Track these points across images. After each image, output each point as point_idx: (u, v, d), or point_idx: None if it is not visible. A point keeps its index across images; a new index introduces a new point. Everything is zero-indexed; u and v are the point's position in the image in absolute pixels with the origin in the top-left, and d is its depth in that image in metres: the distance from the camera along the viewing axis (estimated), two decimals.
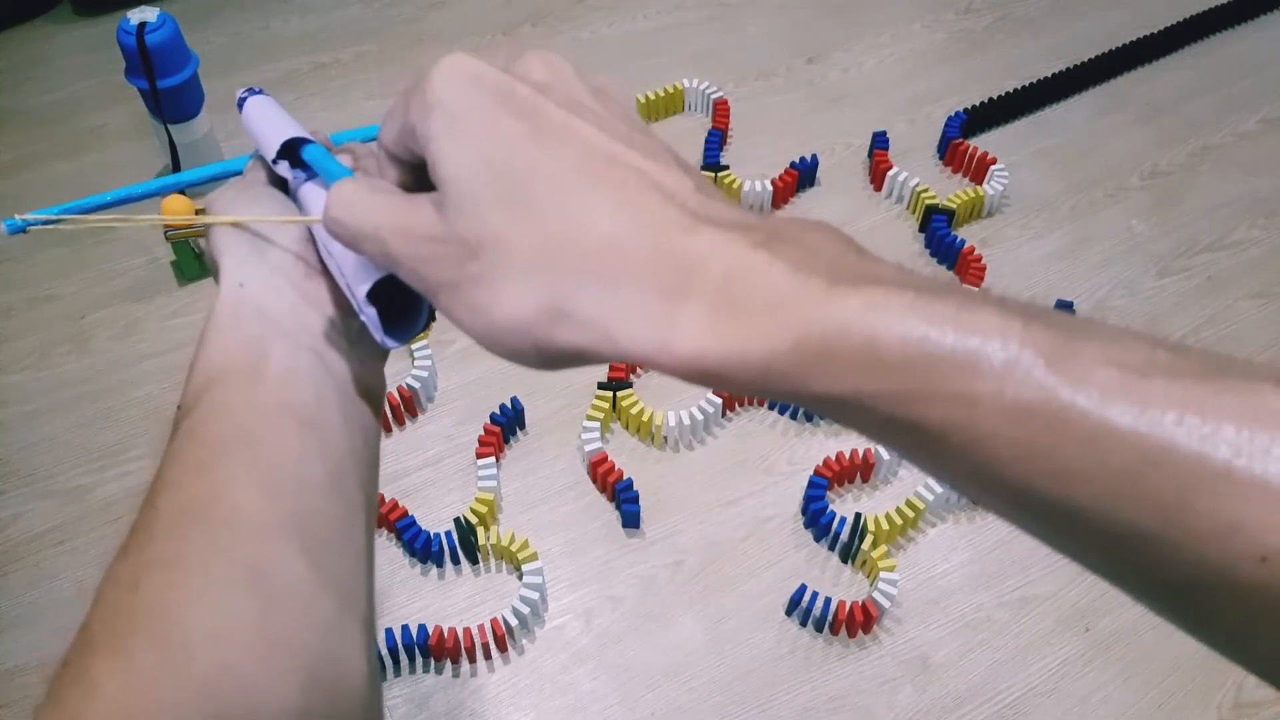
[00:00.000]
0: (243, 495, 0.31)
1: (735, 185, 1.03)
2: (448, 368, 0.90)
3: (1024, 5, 1.34)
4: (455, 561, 0.77)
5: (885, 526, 0.77)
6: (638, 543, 0.79)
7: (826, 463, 0.81)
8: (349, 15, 1.31)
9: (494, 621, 0.72)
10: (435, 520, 0.80)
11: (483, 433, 0.83)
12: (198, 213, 0.42)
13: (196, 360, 0.35)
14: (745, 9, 1.32)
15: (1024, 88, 1.17)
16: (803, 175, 1.06)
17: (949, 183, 1.09)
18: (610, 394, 0.85)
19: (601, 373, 0.89)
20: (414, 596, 0.76)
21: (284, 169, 0.40)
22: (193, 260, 0.96)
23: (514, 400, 0.84)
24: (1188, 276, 1.00)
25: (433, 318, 0.36)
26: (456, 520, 0.77)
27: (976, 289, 0.24)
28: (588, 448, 0.82)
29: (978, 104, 1.14)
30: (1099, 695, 0.72)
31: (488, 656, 0.73)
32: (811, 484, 0.80)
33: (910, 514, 0.78)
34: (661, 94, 1.13)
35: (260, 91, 0.44)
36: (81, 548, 0.78)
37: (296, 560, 0.30)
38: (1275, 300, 0.98)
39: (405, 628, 0.71)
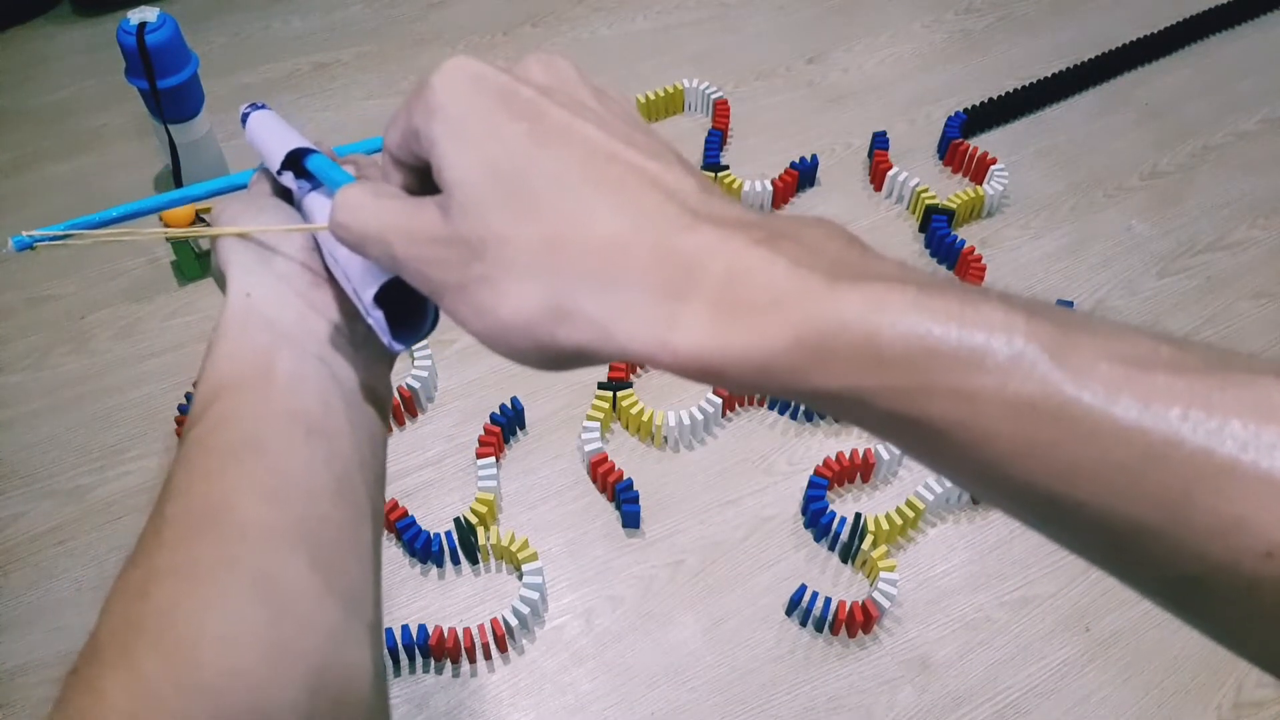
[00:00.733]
0: (251, 503, 0.31)
1: (735, 185, 1.03)
2: (448, 368, 0.90)
3: (1024, 5, 1.34)
4: (455, 561, 0.77)
5: (885, 526, 0.77)
6: (638, 543, 0.79)
7: (826, 463, 0.81)
8: (349, 15, 1.31)
9: (494, 621, 0.72)
10: (435, 520, 0.80)
11: (483, 433, 0.83)
12: (195, 221, 0.42)
13: (204, 369, 0.35)
14: (745, 9, 1.32)
15: (1024, 88, 1.17)
16: (803, 175, 1.06)
17: (949, 183, 1.09)
18: (610, 394, 0.85)
19: (601, 373, 0.89)
20: (414, 596, 0.76)
21: (288, 179, 0.40)
22: (193, 260, 0.96)
23: (514, 400, 0.84)
24: (1188, 276, 1.00)
25: (439, 319, 0.36)
26: (456, 520, 0.77)
27: (978, 286, 0.24)
28: (588, 448, 0.82)
29: (978, 104, 1.14)
30: (1099, 695, 0.72)
31: (488, 656, 0.73)
32: (811, 484, 0.80)
33: (910, 514, 0.78)
34: (661, 94, 1.14)
35: (263, 106, 0.45)
36: (81, 548, 0.78)
37: (304, 567, 0.31)
38: (1275, 300, 0.98)
39: (405, 628, 0.71)
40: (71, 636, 0.73)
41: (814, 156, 1.06)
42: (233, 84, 1.19)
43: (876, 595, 0.73)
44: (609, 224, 0.25)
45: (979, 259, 0.97)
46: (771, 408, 0.88)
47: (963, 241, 0.98)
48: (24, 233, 0.42)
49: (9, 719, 0.69)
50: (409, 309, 0.35)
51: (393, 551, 0.78)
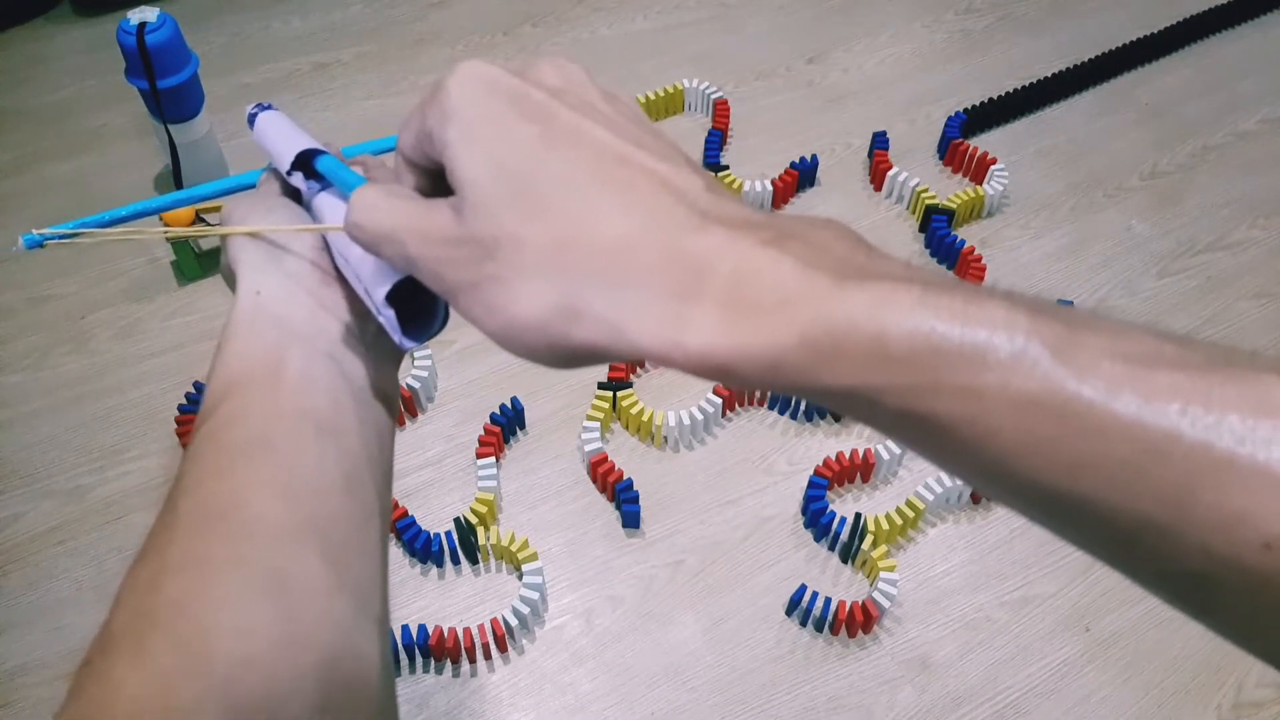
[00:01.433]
0: (263, 500, 0.32)
1: (735, 185, 1.03)
2: (448, 368, 0.90)
3: (1024, 5, 1.34)
4: (455, 561, 0.77)
5: (885, 526, 0.77)
6: (638, 543, 0.79)
7: (826, 463, 0.81)
8: (349, 15, 1.31)
9: (494, 621, 0.72)
10: (435, 520, 0.80)
11: (483, 433, 0.83)
12: (196, 222, 0.43)
13: (214, 367, 0.36)
14: (745, 9, 1.32)
15: (1024, 88, 1.17)
16: (803, 175, 1.06)
17: (949, 183, 1.09)
18: (610, 394, 0.85)
19: (601, 373, 0.89)
20: (414, 596, 0.76)
21: (298, 180, 0.41)
22: (193, 260, 0.96)
23: (514, 400, 0.84)
24: (1188, 276, 1.00)
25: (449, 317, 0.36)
26: (456, 520, 0.77)
27: (984, 284, 0.24)
28: (588, 448, 0.82)
29: (978, 104, 1.14)
30: (1099, 695, 0.72)
31: (488, 656, 0.73)
32: (811, 484, 0.80)
33: (910, 514, 0.78)
34: (661, 94, 1.14)
35: (270, 106, 0.45)
36: (81, 548, 0.78)
37: (315, 563, 0.31)
38: (1275, 300, 0.98)
39: (405, 628, 0.71)
40: (71, 636, 0.73)
41: (814, 156, 1.06)
42: (233, 84, 1.19)
43: (876, 595, 0.73)
44: (619, 224, 0.26)
45: (979, 259, 0.97)
46: (771, 408, 0.88)
47: (963, 241, 0.98)
48: (34, 231, 0.42)
49: (9, 719, 0.69)
50: (419, 307, 0.36)
51: (393, 551, 0.78)
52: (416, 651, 0.72)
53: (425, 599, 0.75)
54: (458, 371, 0.90)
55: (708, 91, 1.14)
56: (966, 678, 0.72)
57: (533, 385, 0.88)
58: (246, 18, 1.30)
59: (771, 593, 0.76)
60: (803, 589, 0.74)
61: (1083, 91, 1.21)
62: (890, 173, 1.05)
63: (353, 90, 1.19)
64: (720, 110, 1.12)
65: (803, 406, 0.86)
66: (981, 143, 1.12)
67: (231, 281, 0.39)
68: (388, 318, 0.34)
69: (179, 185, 1.06)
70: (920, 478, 0.83)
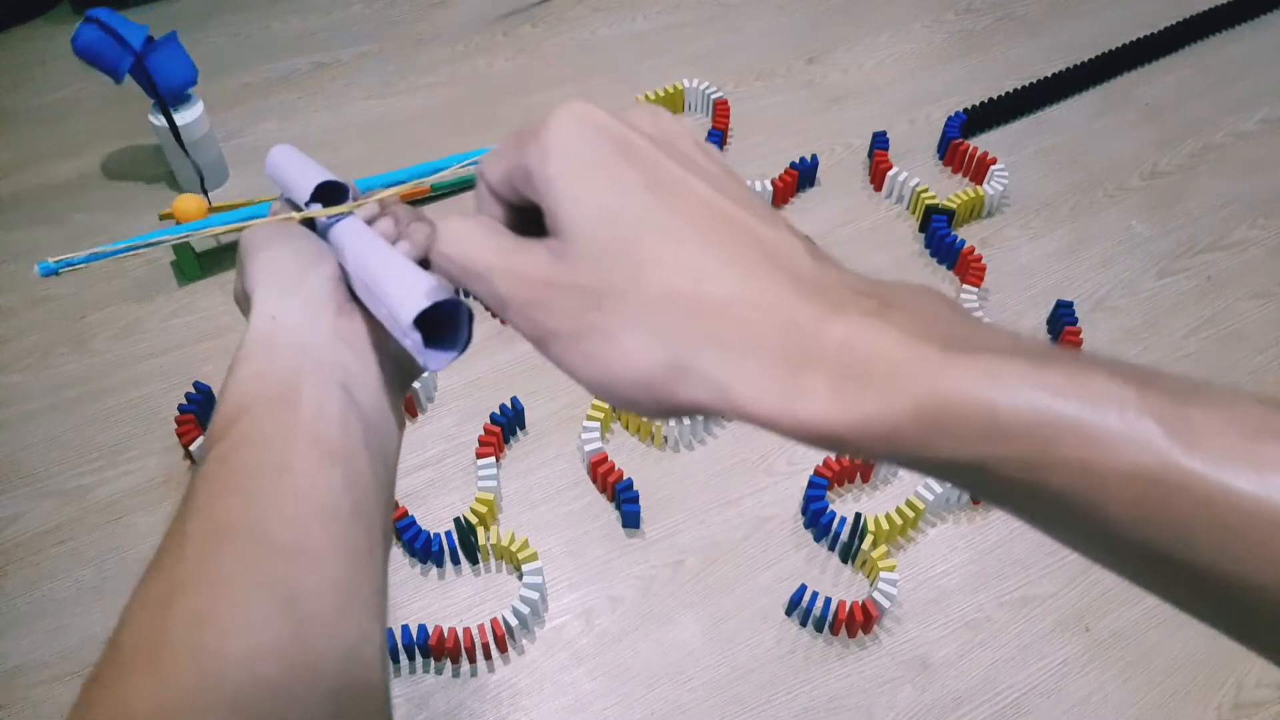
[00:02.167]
0: (275, 522, 0.32)
1: None
2: (448, 368, 0.90)
3: (1024, 5, 1.34)
4: (455, 561, 0.77)
5: (885, 526, 0.77)
6: (638, 543, 0.79)
7: (826, 463, 0.81)
8: (349, 15, 1.31)
9: (494, 621, 0.72)
10: (435, 520, 0.80)
11: (483, 432, 0.83)
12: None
13: (226, 389, 0.36)
14: (745, 9, 1.32)
15: (1024, 88, 1.17)
16: (803, 175, 1.06)
17: (949, 183, 1.09)
18: None
19: None
20: (414, 596, 0.76)
21: (316, 209, 0.42)
22: (192, 261, 0.96)
23: (514, 400, 0.84)
24: (1188, 276, 1.00)
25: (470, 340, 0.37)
26: (456, 520, 0.77)
27: (1085, 352, 0.25)
28: (588, 448, 0.82)
29: (978, 104, 1.14)
30: (1099, 695, 0.72)
31: (488, 656, 0.73)
32: (811, 484, 0.80)
33: (910, 514, 0.78)
34: (661, 94, 1.13)
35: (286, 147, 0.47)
36: (81, 548, 0.78)
37: (325, 587, 0.31)
38: (1275, 300, 0.98)
39: (405, 628, 0.71)
40: (71, 636, 0.73)
41: (814, 156, 1.06)
42: (233, 84, 1.19)
43: (876, 595, 0.73)
44: (728, 285, 0.26)
45: (979, 259, 0.97)
46: None
47: (963, 241, 0.98)
48: (50, 259, 0.43)
49: (9, 719, 0.69)
50: (442, 331, 0.36)
51: (393, 551, 0.78)
52: (416, 651, 0.72)
53: (425, 599, 0.75)
54: (458, 371, 0.90)
55: (708, 91, 1.14)
56: (966, 678, 0.72)
57: (533, 385, 0.88)
58: (246, 18, 1.30)
59: (771, 593, 0.76)
60: (803, 589, 0.74)
61: (1083, 91, 1.21)
62: (890, 173, 1.05)
63: (353, 90, 1.19)
64: (720, 110, 1.12)
65: None
66: (981, 143, 1.12)
67: (245, 304, 0.39)
68: (414, 340, 0.34)
69: (183, 149, 1.06)
70: (920, 478, 0.83)
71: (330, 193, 0.42)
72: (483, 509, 0.77)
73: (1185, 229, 1.05)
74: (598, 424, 0.83)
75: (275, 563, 0.31)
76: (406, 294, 0.34)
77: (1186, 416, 0.22)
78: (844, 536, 0.78)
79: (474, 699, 0.71)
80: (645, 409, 0.27)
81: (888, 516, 0.78)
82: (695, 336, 0.25)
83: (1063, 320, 0.92)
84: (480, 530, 0.76)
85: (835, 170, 1.10)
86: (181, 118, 0.99)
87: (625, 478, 0.80)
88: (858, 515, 0.77)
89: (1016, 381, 0.23)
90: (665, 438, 0.85)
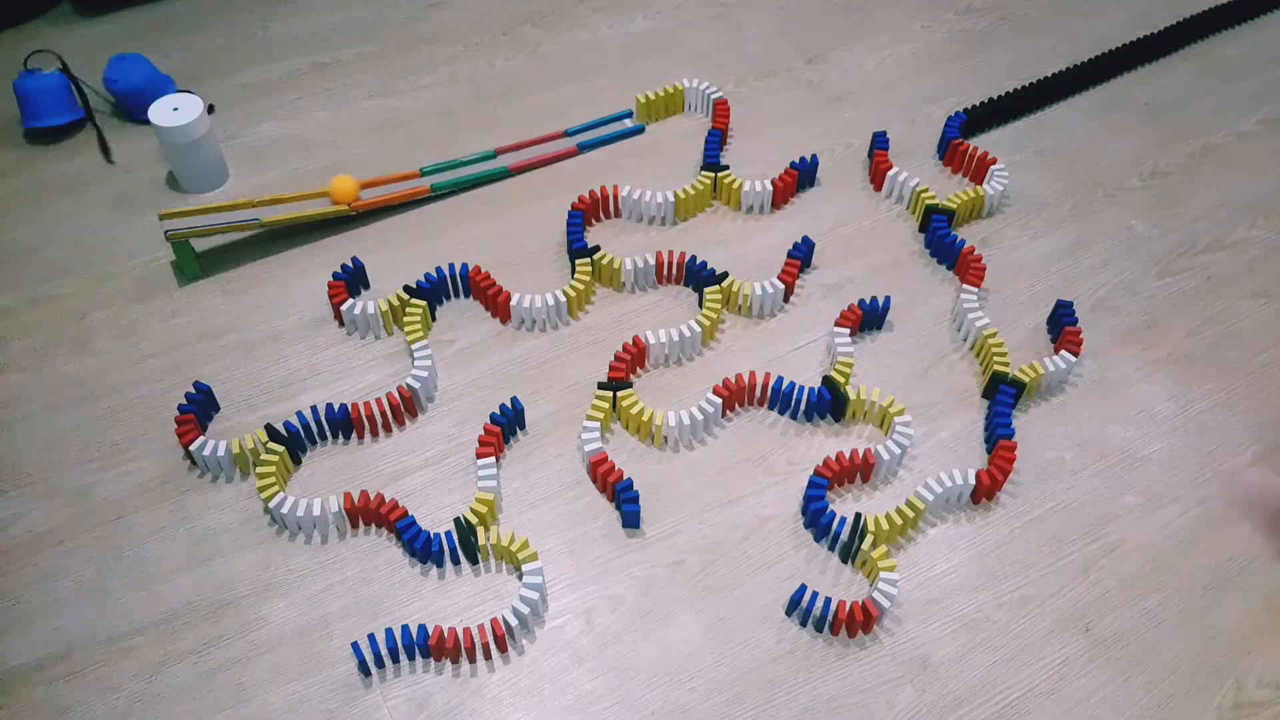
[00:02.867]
0: None
1: (735, 185, 1.03)
2: (448, 368, 0.90)
3: (1024, 6, 1.34)
4: (455, 561, 0.77)
5: (885, 526, 0.77)
6: (638, 542, 0.79)
7: (826, 463, 0.81)
8: (349, 15, 1.31)
9: (494, 621, 0.72)
10: (435, 520, 0.80)
11: (483, 433, 0.83)
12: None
13: None
14: (745, 9, 1.32)
15: (1024, 88, 1.17)
16: (803, 175, 1.06)
17: (949, 183, 1.09)
18: (610, 394, 0.85)
19: (601, 373, 0.89)
20: (414, 596, 0.76)
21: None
22: (193, 261, 0.96)
23: (514, 400, 0.84)
24: (1188, 276, 1.00)
25: None
26: (456, 520, 0.77)
27: None
28: (588, 448, 0.82)
29: (978, 104, 1.14)
30: (1099, 695, 0.72)
31: (488, 656, 0.73)
32: (811, 484, 0.80)
33: (910, 514, 0.78)
34: (661, 94, 1.14)
35: None
36: (80, 548, 0.78)
37: None
38: (1275, 300, 0.98)
39: (405, 628, 0.71)
40: (71, 636, 0.73)
41: (814, 156, 1.06)
42: (233, 84, 1.19)
43: (876, 595, 0.73)
44: None
45: (979, 259, 0.97)
46: (771, 408, 0.88)
47: (963, 241, 0.98)
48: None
49: (9, 719, 0.69)
50: None
51: (393, 552, 0.78)
52: (416, 651, 0.72)
53: (425, 599, 0.75)
54: (458, 371, 0.90)
55: (708, 91, 1.14)
56: (966, 678, 0.72)
57: (533, 385, 0.88)
58: (247, 18, 1.30)
59: (771, 593, 0.76)
60: (803, 589, 0.74)
61: (1083, 91, 1.21)
62: (890, 173, 1.05)
63: (353, 90, 1.19)
64: (720, 110, 1.12)
65: (802, 406, 0.86)
66: (981, 143, 1.12)
67: None
68: None
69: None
70: (920, 477, 0.83)
71: None
72: (483, 509, 0.77)
73: (1185, 229, 1.05)
74: (598, 424, 0.83)
75: None
76: None
77: None
78: (844, 536, 0.78)
79: (474, 699, 0.71)
80: None
81: (888, 516, 0.78)
82: None
83: (1063, 320, 0.92)
84: (480, 530, 0.76)
85: (835, 170, 1.10)
86: (181, 118, 0.99)
87: (625, 478, 0.80)
88: (858, 515, 0.77)
89: None
90: (665, 438, 0.85)
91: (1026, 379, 0.86)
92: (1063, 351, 0.89)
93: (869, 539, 0.77)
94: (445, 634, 0.71)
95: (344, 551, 0.78)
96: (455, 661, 0.72)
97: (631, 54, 1.24)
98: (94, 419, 0.86)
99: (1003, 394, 0.86)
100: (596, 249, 0.96)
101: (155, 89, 1.11)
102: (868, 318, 0.93)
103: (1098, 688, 0.72)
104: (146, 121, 1.12)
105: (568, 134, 1.13)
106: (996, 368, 0.87)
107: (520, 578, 0.75)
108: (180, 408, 0.84)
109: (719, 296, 0.92)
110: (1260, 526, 0.76)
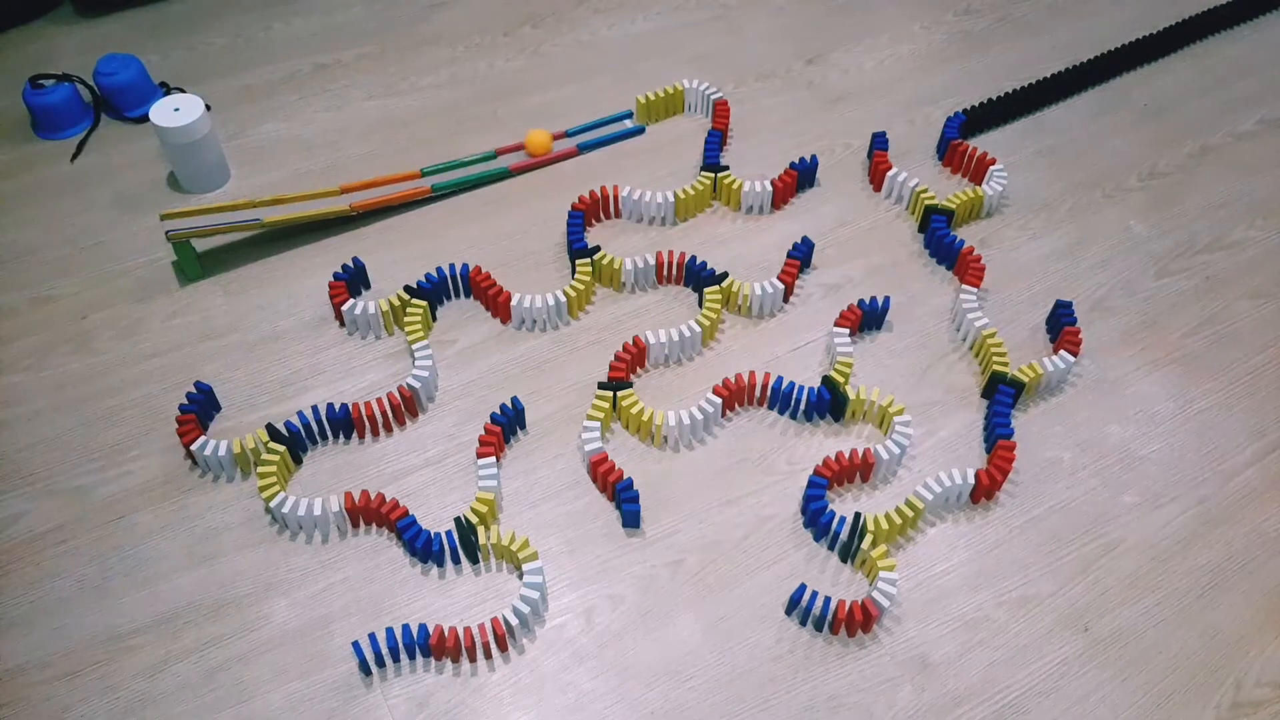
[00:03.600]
0: None
1: (735, 185, 1.03)
2: (448, 368, 0.90)
3: (1023, 6, 1.34)
4: (455, 561, 0.78)
5: (885, 526, 0.77)
6: (638, 542, 0.79)
7: (826, 462, 0.81)
8: (349, 16, 1.31)
9: (494, 621, 0.72)
10: (436, 520, 0.80)
11: (483, 432, 0.83)
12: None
13: None
14: (745, 10, 1.32)
15: (1023, 88, 1.17)
16: (802, 175, 1.06)
17: (948, 183, 1.09)
18: (610, 394, 0.85)
19: (601, 372, 0.89)
20: (414, 596, 0.76)
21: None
22: (193, 261, 0.96)
23: (514, 400, 0.84)
24: (1186, 276, 1.01)
25: None
26: (457, 520, 0.77)
27: None
28: (588, 448, 0.82)
29: (977, 104, 1.14)
30: (1098, 695, 0.72)
31: (488, 656, 0.73)
32: (811, 484, 0.80)
33: (910, 513, 0.78)
34: (661, 95, 1.14)
35: None
36: (81, 548, 0.78)
37: None
38: (1273, 300, 0.99)
39: (405, 627, 0.71)
40: (72, 636, 0.73)
41: (814, 157, 1.07)
42: (233, 84, 1.19)
43: (876, 595, 0.73)
44: None
45: (978, 259, 0.97)
46: (771, 407, 0.88)
47: (962, 241, 0.98)
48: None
49: (9, 718, 0.69)
50: None
51: (393, 551, 0.78)
52: (417, 651, 0.72)
53: (425, 598, 0.76)
54: (458, 371, 0.90)
55: (708, 92, 1.14)
56: (966, 677, 0.72)
57: (533, 385, 0.89)
58: (247, 18, 1.30)
59: (771, 592, 0.76)
60: (802, 588, 0.74)
61: (1082, 92, 1.21)
62: (890, 173, 1.05)
63: (353, 91, 1.19)
64: (720, 110, 1.12)
65: (802, 406, 0.86)
66: (981, 143, 1.12)
67: None
68: None
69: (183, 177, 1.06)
70: (920, 477, 0.83)
71: None
72: (483, 509, 0.77)
73: (1184, 229, 1.05)
74: (598, 424, 0.83)
75: None
76: None
77: None
78: (844, 536, 0.78)
79: (474, 698, 0.71)
80: None
81: (887, 516, 0.78)
82: None
83: (1061, 320, 0.92)
84: (480, 530, 0.77)
85: (835, 170, 1.10)
86: (181, 118, 0.99)
87: (625, 477, 0.80)
88: (857, 515, 0.77)
89: None
90: (665, 437, 0.85)
91: (1025, 379, 0.87)
92: (1062, 351, 0.89)
93: (868, 538, 0.77)
94: (446, 633, 0.71)
95: (345, 551, 0.78)
96: (455, 661, 0.72)
97: (631, 55, 1.24)
98: (95, 419, 0.86)
99: (1002, 394, 0.86)
100: (597, 249, 0.96)
101: (146, 88, 1.13)
102: (867, 318, 0.93)
103: (1096, 687, 0.72)
104: (135, 119, 1.12)
105: (568, 134, 1.13)
106: (996, 368, 0.87)
107: (520, 577, 0.75)
108: (181, 408, 0.84)
109: (719, 296, 0.93)
110: None
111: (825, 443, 0.86)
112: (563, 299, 0.92)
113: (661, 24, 1.29)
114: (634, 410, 0.84)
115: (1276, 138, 1.16)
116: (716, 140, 1.08)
